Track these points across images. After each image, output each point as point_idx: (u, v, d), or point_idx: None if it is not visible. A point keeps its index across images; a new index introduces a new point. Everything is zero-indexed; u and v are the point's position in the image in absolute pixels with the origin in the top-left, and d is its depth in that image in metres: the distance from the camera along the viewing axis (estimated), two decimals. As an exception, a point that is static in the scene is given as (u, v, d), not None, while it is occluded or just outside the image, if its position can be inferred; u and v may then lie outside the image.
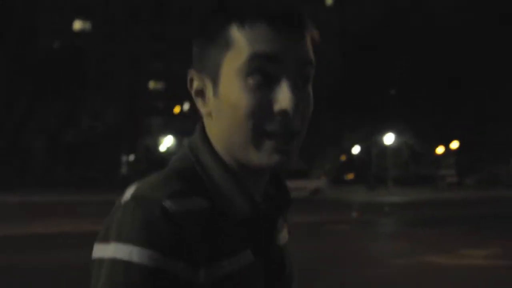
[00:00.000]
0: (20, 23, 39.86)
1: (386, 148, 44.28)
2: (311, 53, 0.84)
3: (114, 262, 0.73)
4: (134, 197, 0.77)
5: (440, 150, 53.43)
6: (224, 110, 0.83)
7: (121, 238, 0.74)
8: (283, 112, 0.79)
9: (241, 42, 0.80)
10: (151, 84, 65.12)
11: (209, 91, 0.85)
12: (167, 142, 50.37)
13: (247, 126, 0.80)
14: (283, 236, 0.97)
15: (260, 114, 0.79)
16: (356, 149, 54.82)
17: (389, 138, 43.34)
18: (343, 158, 62.98)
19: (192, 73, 0.88)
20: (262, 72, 0.79)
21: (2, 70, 36.93)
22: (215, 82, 0.84)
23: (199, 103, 0.88)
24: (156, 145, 51.20)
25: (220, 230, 0.81)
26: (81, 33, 57.97)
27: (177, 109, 57.40)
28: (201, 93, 0.87)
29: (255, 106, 0.79)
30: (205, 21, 0.86)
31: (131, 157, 52.73)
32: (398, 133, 44.60)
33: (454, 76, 41.05)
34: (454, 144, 52.60)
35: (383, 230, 14.44)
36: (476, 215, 18.81)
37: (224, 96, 0.82)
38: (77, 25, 58.94)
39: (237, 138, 0.82)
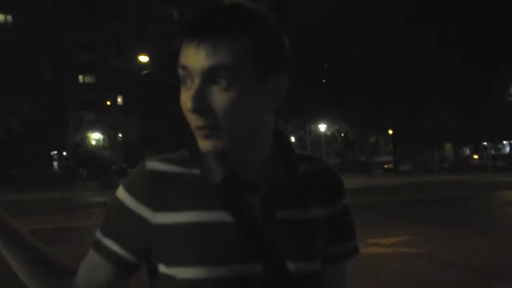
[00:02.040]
0: None
1: (319, 137, 44.19)
2: (223, 58, 0.95)
3: (114, 197, 1.09)
4: None
5: (374, 138, 53.98)
6: None
7: (122, 183, 1.09)
8: (188, 110, 0.98)
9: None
10: (80, 78, 62.69)
11: None
12: (96, 137, 48.60)
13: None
14: (288, 212, 1.06)
15: (186, 112, 0.99)
16: (292, 139, 54.72)
17: (322, 127, 43.31)
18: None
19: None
20: (182, 78, 1.00)
21: None
22: None
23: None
24: (87, 140, 49.26)
25: (193, 190, 1.03)
26: (1, 26, 55.03)
27: (108, 103, 55.37)
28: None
29: (183, 105, 1.00)
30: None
31: (64, 153, 50.58)
32: (330, 122, 44.62)
33: (381, 66, 41.29)
34: (389, 132, 53.28)
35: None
36: (404, 201, 18.72)
37: None
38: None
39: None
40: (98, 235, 1.07)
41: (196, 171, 1.04)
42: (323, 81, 45.45)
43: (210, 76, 0.96)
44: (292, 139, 54.39)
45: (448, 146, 59.04)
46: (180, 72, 0.99)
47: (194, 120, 0.98)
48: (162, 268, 1.03)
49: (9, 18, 56.40)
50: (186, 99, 0.97)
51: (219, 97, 0.96)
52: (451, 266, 7.21)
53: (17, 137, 37.41)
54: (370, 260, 7.73)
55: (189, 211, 1.01)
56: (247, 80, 0.98)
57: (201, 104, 0.96)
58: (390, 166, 53.74)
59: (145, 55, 35.80)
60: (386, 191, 24.69)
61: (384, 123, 48.23)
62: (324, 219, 1.12)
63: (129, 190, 1.05)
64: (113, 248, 1.05)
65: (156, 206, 1.02)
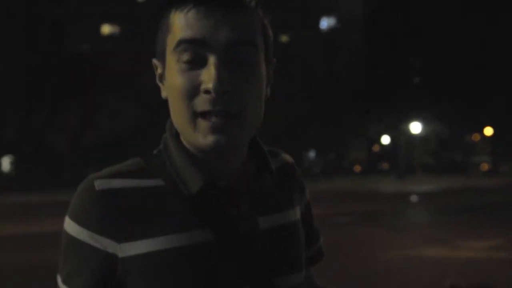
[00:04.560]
0: (50, 29, 40.90)
1: (413, 137, 43.54)
2: (247, 33, 0.85)
3: (63, 232, 0.87)
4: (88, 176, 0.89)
5: (472, 137, 52.21)
6: (169, 93, 0.89)
7: (67, 212, 0.88)
8: (207, 92, 0.82)
9: (175, 26, 0.85)
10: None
11: (164, 76, 0.91)
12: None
13: (182, 108, 0.85)
14: (270, 220, 0.94)
15: (191, 95, 0.83)
16: (385, 139, 53.99)
17: (415, 127, 42.60)
18: (375, 148, 62.32)
19: (154, 61, 0.94)
20: (191, 55, 0.83)
21: (29, 73, 37.88)
22: (164, 66, 0.90)
23: (161, 88, 0.94)
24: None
25: (162, 207, 0.86)
26: (109, 36, 58.36)
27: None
28: (162, 78, 0.93)
29: (185, 87, 0.83)
30: (156, 8, 0.97)
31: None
32: (425, 121, 43.76)
33: (479, 61, 39.95)
34: (488, 131, 51.28)
35: (390, 222, 14.12)
36: (501, 203, 17.61)
37: (167, 80, 0.89)
38: (106, 29, 59.31)
39: (179, 120, 0.88)
40: (60, 285, 0.88)
41: (159, 183, 0.87)
42: (415, 81, 44.70)
43: (231, 53, 0.83)
44: (387, 138, 53.71)
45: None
46: (184, 47, 0.83)
47: (204, 104, 0.82)
48: None
49: (116, 29, 59.67)
50: (199, 78, 0.82)
51: (242, 78, 0.83)
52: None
53: (121, 140, 39.92)
54: (457, 263, 7.91)
55: (162, 235, 0.83)
56: (261, 62, 0.87)
57: (225, 86, 0.81)
58: (488, 166, 51.77)
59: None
60: (480, 193, 24.17)
61: (481, 121, 46.59)
62: (299, 221, 1.00)
63: (81, 220, 0.84)
64: None
65: (121, 235, 0.83)
